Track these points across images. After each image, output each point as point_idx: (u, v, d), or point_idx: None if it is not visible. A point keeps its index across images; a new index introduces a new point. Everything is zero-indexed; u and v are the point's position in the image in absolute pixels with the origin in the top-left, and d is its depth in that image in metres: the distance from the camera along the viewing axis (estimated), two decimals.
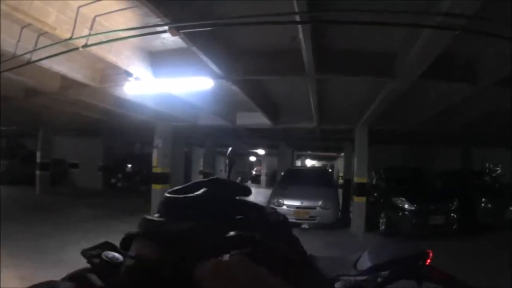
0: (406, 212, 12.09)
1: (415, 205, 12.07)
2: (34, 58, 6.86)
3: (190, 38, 5.97)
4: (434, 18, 5.01)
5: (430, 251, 3.26)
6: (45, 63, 7.23)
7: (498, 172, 16.52)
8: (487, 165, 16.81)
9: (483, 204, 13.13)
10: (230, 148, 3.95)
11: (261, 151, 34.14)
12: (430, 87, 9.59)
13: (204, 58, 6.89)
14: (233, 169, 3.92)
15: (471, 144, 20.02)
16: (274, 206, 12.98)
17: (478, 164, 19.10)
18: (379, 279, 3.24)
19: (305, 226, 13.47)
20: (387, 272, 3.23)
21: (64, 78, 9.41)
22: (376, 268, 3.27)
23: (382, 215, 12.83)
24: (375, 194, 14.52)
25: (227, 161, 3.94)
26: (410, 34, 6.24)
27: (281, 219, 3.82)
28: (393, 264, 3.26)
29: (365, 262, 3.34)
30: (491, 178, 15.71)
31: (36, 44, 6.82)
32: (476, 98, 9.49)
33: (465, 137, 17.05)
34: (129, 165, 25.14)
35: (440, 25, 5.04)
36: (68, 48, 6.42)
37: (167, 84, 8.61)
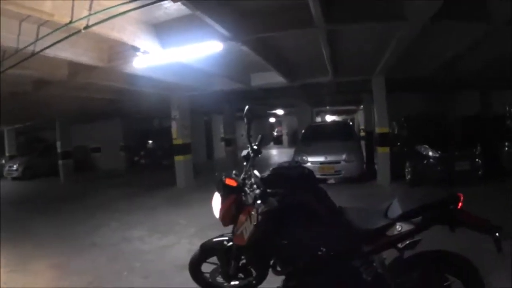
0: (431, 160, 12.01)
1: (439, 152, 11.96)
2: (37, 49, 6.78)
3: (193, 2, 5.86)
4: None
5: (461, 194, 3.16)
6: (50, 52, 7.12)
7: None
8: (507, 108, 16.41)
9: (506, 149, 12.95)
10: (246, 107, 3.90)
11: (280, 111, 33.96)
12: (443, 31, 9.30)
13: (210, 21, 6.74)
14: (251, 127, 3.89)
15: (490, 87, 19.61)
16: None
17: (498, 107, 18.69)
18: (412, 227, 3.16)
19: (331, 181, 13.44)
20: (419, 218, 3.15)
21: (71, 64, 9.41)
22: (407, 215, 3.19)
23: (407, 164, 12.74)
24: (398, 144, 14.37)
25: (245, 120, 3.89)
26: None
27: (306, 172, 3.78)
28: (424, 210, 3.17)
29: (396, 210, 3.28)
30: None
31: (37, 35, 6.72)
32: (490, 39, 9.24)
33: (483, 81, 16.69)
34: (150, 141, 25.26)
35: None
36: (69, 33, 6.32)
37: (176, 53, 8.47)
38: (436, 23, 7.58)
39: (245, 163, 3.87)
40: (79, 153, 24.32)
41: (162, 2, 5.95)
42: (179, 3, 5.82)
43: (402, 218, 3.21)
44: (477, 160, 11.93)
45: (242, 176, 3.80)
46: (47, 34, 6.40)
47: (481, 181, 11.79)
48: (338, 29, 8.58)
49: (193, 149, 16.20)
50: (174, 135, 15.36)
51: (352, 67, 13.33)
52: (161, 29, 8.18)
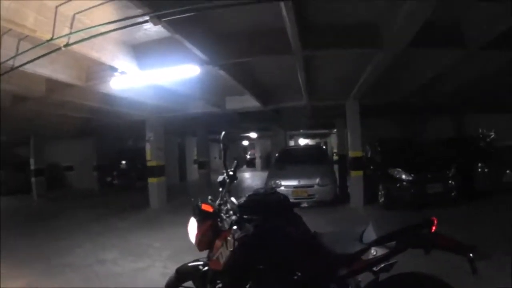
0: (404, 183, 12.11)
1: (412, 175, 12.08)
2: (16, 63, 6.77)
3: (172, 25, 5.94)
4: None
5: (434, 218, 3.23)
6: (29, 68, 7.14)
7: (491, 136, 16.51)
8: (480, 130, 16.81)
9: (479, 170, 13.18)
10: (223, 133, 3.94)
11: (253, 135, 34.06)
12: (418, 56, 9.53)
13: (189, 45, 6.84)
14: (227, 153, 3.93)
15: (462, 111, 20.04)
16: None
17: (470, 130, 19.10)
18: (386, 251, 3.22)
19: (304, 205, 13.46)
20: (393, 242, 3.22)
21: (49, 80, 9.36)
22: (382, 239, 3.25)
23: (380, 187, 12.87)
24: (371, 167, 14.54)
25: (221, 145, 3.93)
26: (395, 2, 6.17)
27: (282, 198, 3.83)
28: (398, 234, 3.24)
29: (371, 235, 3.33)
30: (485, 143, 15.76)
31: (17, 50, 6.71)
32: (463, 63, 9.46)
33: (456, 104, 17.06)
34: (123, 162, 25.03)
35: None
36: (50, 50, 6.34)
37: (153, 75, 8.50)
38: (411, 49, 7.79)
39: (220, 189, 3.90)
40: (52, 170, 23.94)
41: (143, 24, 6.00)
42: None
43: (377, 242, 3.27)
44: (450, 182, 12.10)
45: (218, 201, 3.83)
46: (28, 50, 6.42)
47: (454, 202, 11.96)
48: (314, 54, 8.71)
49: (166, 171, 16.12)
50: (148, 157, 15.30)
51: (327, 92, 13.50)
52: (140, 50, 8.24)
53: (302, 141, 45.98)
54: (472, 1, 6.24)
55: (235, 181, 3.98)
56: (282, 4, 5.49)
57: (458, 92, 13.47)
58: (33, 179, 20.80)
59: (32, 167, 20.88)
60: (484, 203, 12.19)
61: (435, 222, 3.21)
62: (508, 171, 13.03)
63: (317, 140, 48.02)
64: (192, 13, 5.69)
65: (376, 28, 7.55)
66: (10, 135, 21.27)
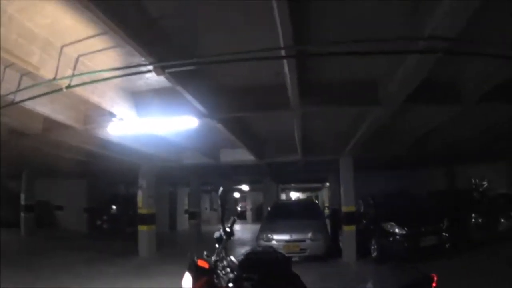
0: (397, 237, 12.11)
1: (405, 229, 12.06)
2: (17, 98, 6.78)
3: (175, 77, 5.97)
4: (417, 43, 5.05)
5: (434, 274, 3.23)
6: (29, 104, 7.13)
7: (484, 186, 16.66)
8: (473, 181, 16.94)
9: (473, 220, 13.23)
10: (221, 189, 3.95)
11: (245, 187, 33.98)
12: (414, 111, 9.63)
13: (189, 97, 6.88)
14: (225, 209, 3.93)
15: (455, 162, 20.16)
16: (263, 242, 12.92)
17: (462, 181, 19.23)
18: None
19: (296, 259, 13.31)
20: None
21: (47, 119, 9.32)
22: None
23: (373, 242, 12.82)
24: (364, 222, 14.51)
25: (219, 202, 3.93)
26: (394, 60, 6.30)
27: (280, 257, 3.81)
28: None
29: None
30: (478, 193, 15.83)
31: (19, 84, 6.73)
32: (457, 117, 9.53)
33: (448, 156, 17.19)
34: (114, 207, 24.79)
35: (424, 49, 5.09)
36: (51, 89, 6.36)
37: (151, 124, 8.52)
38: (407, 105, 7.88)
39: (217, 245, 3.87)
40: (42, 208, 23.56)
41: (146, 73, 6.07)
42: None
43: None
44: (444, 234, 12.09)
45: (214, 258, 3.80)
46: (30, 86, 6.42)
47: (449, 254, 11.87)
48: (312, 111, 8.81)
49: (157, 219, 15.99)
50: (140, 204, 15.21)
51: (322, 147, 13.60)
52: (140, 97, 8.28)
53: (294, 195, 45.88)
54: (468, 58, 6.35)
55: (232, 238, 3.97)
56: (285, 61, 5.58)
57: (451, 144, 13.58)
58: (22, 215, 20.48)
59: (22, 203, 20.58)
60: (479, 254, 12.09)
61: (435, 278, 3.21)
62: (502, 220, 13.08)
63: (309, 193, 47.89)
64: (196, 67, 5.79)
65: (375, 85, 7.65)
66: (2, 168, 21.12)
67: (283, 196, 38.62)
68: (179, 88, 6.43)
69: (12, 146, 12.60)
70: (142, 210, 15.20)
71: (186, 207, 28.58)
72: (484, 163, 19.00)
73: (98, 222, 24.48)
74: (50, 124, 9.74)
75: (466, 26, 4.53)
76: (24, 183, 20.74)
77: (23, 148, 13.09)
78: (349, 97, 7.85)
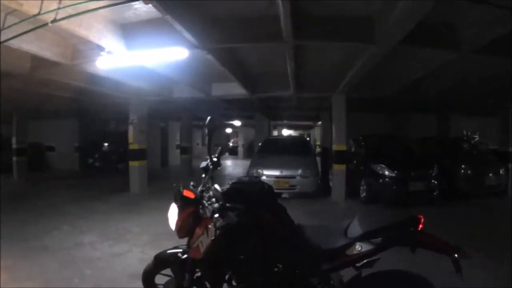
0: (387, 179, 12.20)
1: (395, 172, 12.16)
2: (2, 38, 6.59)
3: (163, 6, 5.80)
4: None
5: (421, 216, 3.20)
6: (14, 43, 6.98)
7: (476, 139, 16.68)
8: (465, 132, 16.95)
9: (462, 171, 13.30)
10: (208, 118, 3.86)
11: (237, 122, 33.94)
12: (410, 54, 9.49)
13: (178, 27, 6.68)
14: (212, 139, 3.86)
15: (448, 111, 20.17)
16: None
17: (455, 131, 19.29)
18: (372, 247, 3.17)
19: (285, 195, 13.43)
20: (379, 239, 3.17)
21: (34, 57, 9.16)
22: (367, 235, 3.20)
23: (363, 183, 12.93)
24: (354, 162, 14.56)
25: (206, 131, 3.86)
26: None
27: (266, 188, 3.76)
28: (385, 230, 3.19)
29: (356, 229, 3.29)
30: (469, 145, 15.86)
31: (3, 24, 6.52)
32: (453, 65, 9.47)
33: (442, 104, 17.18)
34: (106, 144, 24.85)
35: None
36: (36, 25, 6.18)
37: (140, 56, 8.32)
38: (403, 47, 7.75)
39: (203, 175, 3.81)
40: (34, 151, 23.57)
41: (133, 3, 5.86)
42: (149, 5, 5.73)
43: (362, 238, 3.22)
44: (432, 181, 12.20)
45: (200, 188, 3.74)
46: (14, 24, 6.25)
47: (436, 201, 12.09)
48: (305, 45, 8.64)
49: (148, 155, 16.01)
50: (131, 139, 15.15)
51: (315, 84, 13.46)
52: (128, 30, 8.05)
53: (286, 132, 46.08)
54: (469, 3, 6.19)
55: (218, 168, 3.90)
56: None
57: (445, 92, 13.56)
58: (14, 159, 20.43)
59: (14, 146, 20.48)
60: (465, 205, 12.31)
61: (422, 220, 3.18)
62: (490, 175, 13.18)
63: (301, 131, 48.17)
64: None
65: (371, 22, 7.48)
66: None
67: (275, 133, 38.75)
68: (168, 17, 6.22)
69: (0, 89, 12.41)
70: (133, 145, 15.17)
71: (177, 143, 28.63)
72: (478, 116, 19.04)
73: (90, 161, 24.81)
74: (37, 62, 9.60)
75: None
76: (14, 126, 20.53)
77: (11, 90, 12.86)
78: (344, 32, 7.65)
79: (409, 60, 10.17)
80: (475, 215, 10.98)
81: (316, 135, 39.85)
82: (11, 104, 17.44)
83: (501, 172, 13.75)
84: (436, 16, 6.54)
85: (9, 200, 13.43)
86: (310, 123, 34.99)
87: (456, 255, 3.02)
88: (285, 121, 36.08)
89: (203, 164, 3.89)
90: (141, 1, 5.57)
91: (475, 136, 16.73)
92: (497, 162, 14.26)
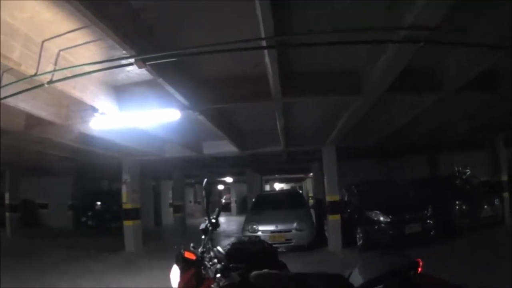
0: (382, 224, 12.28)
1: (390, 217, 12.22)
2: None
3: (156, 69, 5.95)
4: (399, 33, 5.09)
5: (419, 260, 3.27)
6: (11, 101, 7.07)
7: (467, 174, 16.85)
8: (456, 168, 17.13)
9: (457, 207, 13.40)
10: (205, 180, 3.98)
11: (229, 179, 34.02)
12: (395, 100, 9.69)
13: (171, 90, 6.86)
14: (210, 201, 3.96)
15: (437, 149, 20.35)
16: (249, 233, 12.97)
17: (446, 169, 19.43)
18: None
19: (282, 249, 13.36)
20: (381, 286, 3.23)
21: (29, 116, 9.23)
22: (369, 283, 3.26)
23: (359, 230, 12.97)
24: (349, 210, 14.61)
25: (204, 193, 3.96)
26: (375, 50, 6.35)
27: (266, 246, 3.84)
28: (385, 277, 3.25)
29: (357, 278, 3.34)
30: (461, 180, 16.01)
31: (0, 81, 6.66)
32: (437, 105, 9.60)
33: (431, 143, 17.35)
34: (98, 203, 24.72)
35: (405, 39, 5.14)
36: (33, 85, 6.31)
37: (133, 118, 8.48)
38: (388, 94, 7.94)
39: (203, 236, 3.90)
40: (27, 207, 23.39)
41: (127, 66, 6.05)
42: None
43: (364, 286, 3.28)
44: (428, 221, 12.29)
45: (200, 249, 3.82)
46: (11, 83, 6.35)
47: (433, 241, 12.07)
48: (293, 101, 8.84)
49: (141, 214, 15.94)
50: (124, 199, 15.13)
51: (304, 137, 13.66)
52: (121, 91, 8.23)
53: (278, 186, 46.06)
54: (449, 47, 6.44)
55: (217, 229, 3.99)
56: (265, 52, 5.59)
57: (433, 132, 13.72)
58: (7, 214, 20.20)
59: (6, 202, 20.30)
60: (463, 240, 12.36)
61: (421, 263, 3.25)
62: (485, 206, 13.31)
63: (293, 184, 48.13)
64: (177, 58, 5.77)
65: (356, 75, 7.70)
66: None
67: (267, 187, 38.78)
68: (160, 80, 6.41)
69: None
70: (127, 205, 15.13)
71: (170, 201, 28.50)
72: (466, 151, 19.24)
73: (83, 219, 24.48)
74: (32, 120, 9.64)
75: (448, 14, 4.58)
76: (8, 182, 20.44)
77: (5, 146, 12.93)
78: (332, 87, 7.88)
79: (395, 106, 10.35)
80: (474, 249, 10.98)
81: (308, 186, 39.86)
82: (5, 160, 17.42)
83: (495, 202, 13.91)
84: (417, 61, 6.72)
85: (4, 256, 13.27)
86: (301, 175, 35.10)
87: None
88: (276, 175, 36.17)
89: (202, 225, 3.99)
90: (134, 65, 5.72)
91: (467, 170, 16.90)
92: (490, 193, 14.42)
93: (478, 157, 18.40)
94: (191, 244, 3.92)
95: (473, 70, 6.99)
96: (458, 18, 4.82)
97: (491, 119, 12.16)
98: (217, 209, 4.12)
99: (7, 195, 20.32)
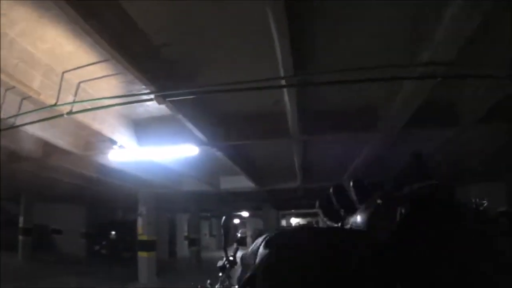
0: None
1: None
2: (17, 122, 6.74)
3: (176, 105, 5.96)
4: (416, 69, 5.07)
5: None
6: (29, 128, 7.12)
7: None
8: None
9: None
10: (224, 217, 3.91)
11: (245, 213, 33.83)
12: (412, 136, 9.60)
13: (190, 126, 6.87)
14: (228, 238, 3.90)
15: (454, 182, 20.09)
16: None
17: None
18: None
19: None
20: None
21: (47, 144, 9.28)
22: None
23: None
24: None
25: (222, 230, 3.90)
26: (392, 86, 6.30)
27: None
28: None
29: None
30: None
31: (20, 108, 6.70)
32: (453, 139, 9.48)
33: (447, 176, 17.15)
34: (113, 232, 24.70)
35: (422, 75, 5.11)
36: (52, 114, 6.34)
37: (152, 152, 8.49)
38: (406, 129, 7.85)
39: (220, 274, 3.83)
40: (40, 232, 23.36)
41: (147, 101, 6.06)
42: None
43: None
44: None
45: (218, 286, 3.75)
46: (31, 111, 6.37)
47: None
48: (311, 138, 8.78)
49: (156, 245, 15.88)
50: (140, 231, 15.12)
51: (321, 173, 13.50)
52: (140, 125, 8.28)
53: (294, 220, 45.72)
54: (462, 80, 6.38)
55: (234, 266, 3.92)
56: (285, 90, 5.58)
57: (450, 164, 13.54)
58: (20, 238, 20.19)
59: (20, 225, 20.37)
60: None
61: None
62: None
63: (309, 219, 47.75)
64: (196, 95, 5.78)
65: (374, 112, 7.64)
66: (2, 190, 20.95)
67: (283, 222, 38.44)
68: (180, 117, 6.41)
69: (12, 169, 12.54)
70: (143, 236, 15.11)
71: (185, 234, 28.47)
72: (483, 182, 19.00)
73: (96, 247, 24.42)
74: (50, 148, 9.68)
75: (463, 49, 4.55)
76: (23, 206, 20.58)
77: (22, 171, 13.02)
78: (349, 124, 7.83)
79: (411, 141, 10.26)
80: None
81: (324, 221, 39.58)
82: (21, 184, 17.51)
83: None
84: (435, 95, 6.64)
85: (14, 282, 13.20)
86: (318, 210, 34.86)
87: None
88: (292, 210, 35.95)
89: (220, 263, 3.91)
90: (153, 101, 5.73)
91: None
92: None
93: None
94: (208, 281, 3.85)
95: (489, 102, 6.87)
96: (471, 52, 4.77)
97: (507, 149, 11.99)
98: (235, 246, 4.05)
99: (21, 219, 20.40)
